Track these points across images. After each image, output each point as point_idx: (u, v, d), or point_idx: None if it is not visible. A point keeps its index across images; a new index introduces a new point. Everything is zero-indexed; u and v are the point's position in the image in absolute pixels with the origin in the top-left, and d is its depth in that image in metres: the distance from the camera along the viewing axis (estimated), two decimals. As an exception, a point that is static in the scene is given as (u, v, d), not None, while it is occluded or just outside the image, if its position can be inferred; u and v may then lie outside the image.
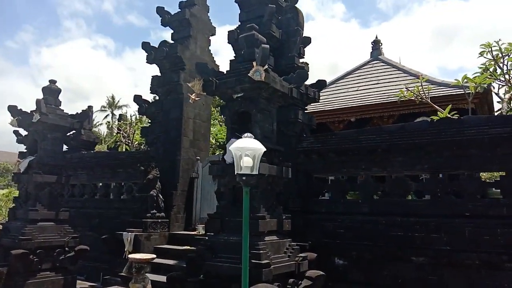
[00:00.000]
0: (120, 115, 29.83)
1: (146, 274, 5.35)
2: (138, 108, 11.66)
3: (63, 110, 9.81)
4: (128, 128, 17.37)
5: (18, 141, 14.61)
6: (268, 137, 6.37)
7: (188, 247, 9.31)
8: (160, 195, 9.95)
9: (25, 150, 9.96)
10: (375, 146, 8.03)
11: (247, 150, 4.41)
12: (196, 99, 6.66)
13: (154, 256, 5.37)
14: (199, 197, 10.63)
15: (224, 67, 10.76)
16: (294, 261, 6.13)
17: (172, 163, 10.53)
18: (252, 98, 6.21)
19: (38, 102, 9.16)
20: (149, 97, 17.52)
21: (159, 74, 11.42)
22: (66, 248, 9.25)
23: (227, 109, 6.46)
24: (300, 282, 6.10)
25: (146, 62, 11.31)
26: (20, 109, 9.66)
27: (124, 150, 16.59)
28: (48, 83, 9.84)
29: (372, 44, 17.97)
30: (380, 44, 17.95)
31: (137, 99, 11.65)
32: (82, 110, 9.96)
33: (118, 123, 19.93)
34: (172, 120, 10.85)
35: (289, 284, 5.88)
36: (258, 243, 5.67)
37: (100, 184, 12.62)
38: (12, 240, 8.57)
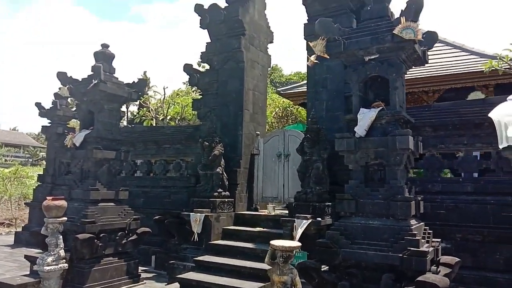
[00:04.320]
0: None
1: (291, 264, 4.58)
2: (189, 79, 10.68)
3: (117, 78, 8.78)
4: (156, 102, 16.25)
5: (41, 115, 13.59)
6: (402, 107, 5.58)
7: (261, 229, 8.59)
8: (224, 173, 9.12)
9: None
10: (481, 120, 7.34)
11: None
12: (315, 61, 5.78)
13: (300, 244, 4.59)
14: (261, 175, 9.83)
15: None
16: (433, 247, 5.43)
17: (233, 139, 9.66)
18: (391, 60, 5.38)
19: (96, 67, 8.11)
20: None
21: (209, 40, 10.41)
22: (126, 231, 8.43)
23: (355, 74, 5.62)
24: (438, 270, 5.42)
25: (200, 27, 10.28)
26: (71, 77, 8.60)
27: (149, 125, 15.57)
28: (101, 48, 8.77)
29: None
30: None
31: (187, 68, 10.65)
32: (139, 79, 8.93)
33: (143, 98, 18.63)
34: (230, 91, 9.92)
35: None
36: (410, 228, 4.95)
37: (141, 161, 11.68)
38: (72, 223, 7.64)
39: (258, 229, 8.57)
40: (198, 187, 9.03)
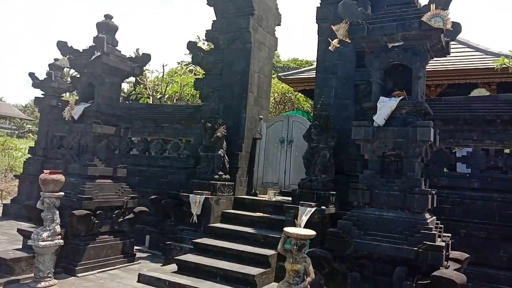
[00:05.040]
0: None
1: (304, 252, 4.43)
2: (192, 57, 10.35)
3: (120, 51, 8.43)
4: (154, 80, 15.80)
5: (34, 85, 13.14)
6: (423, 98, 5.41)
7: (261, 214, 8.44)
8: (226, 156, 8.91)
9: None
10: (493, 116, 7.25)
11: None
12: (337, 46, 5.56)
13: (315, 232, 4.44)
14: (262, 160, 9.64)
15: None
16: (444, 242, 5.34)
17: (236, 121, 9.42)
18: (416, 49, 5.19)
19: (100, 39, 7.76)
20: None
21: (215, 18, 10.08)
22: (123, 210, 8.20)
23: (377, 61, 5.42)
24: (448, 265, 5.34)
25: (207, 4, 9.93)
26: (71, 47, 8.22)
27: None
28: (104, 19, 8.39)
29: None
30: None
31: (191, 46, 10.33)
32: (143, 53, 8.58)
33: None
34: (235, 72, 9.63)
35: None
36: (426, 222, 4.83)
37: (138, 139, 11.39)
38: (68, 198, 7.38)
39: (258, 214, 8.42)
40: (198, 169, 8.81)
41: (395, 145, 5.15)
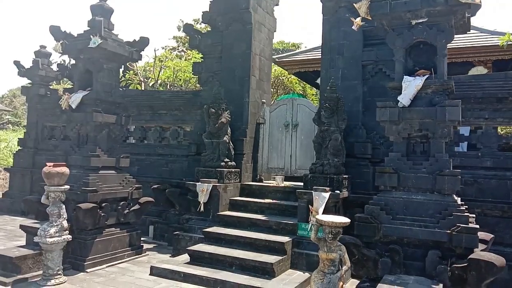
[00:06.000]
0: None
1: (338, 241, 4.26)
2: (190, 40, 9.96)
3: (117, 35, 8.02)
4: (144, 65, 15.25)
5: (20, 74, 12.56)
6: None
7: (271, 201, 8.26)
8: (230, 142, 8.66)
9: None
10: (506, 94, 7.17)
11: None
12: (361, 24, 5.33)
13: (349, 220, 4.27)
14: (266, 145, 9.42)
15: None
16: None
17: (239, 106, 9.13)
18: (441, 25, 5.00)
19: (97, 22, 7.35)
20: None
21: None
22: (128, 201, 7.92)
23: (399, 39, 5.22)
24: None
25: (204, -16, 9.51)
26: (65, 31, 7.78)
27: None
28: (98, 1, 7.94)
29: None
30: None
31: (188, 28, 9.96)
32: (140, 37, 8.17)
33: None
34: (236, 55, 9.31)
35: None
36: (458, 204, 4.73)
37: (134, 127, 11.02)
38: (71, 191, 7.03)
39: (267, 200, 8.23)
40: (203, 156, 8.55)
41: (422, 126, 5.01)
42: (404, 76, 5.18)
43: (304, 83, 18.72)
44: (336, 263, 4.24)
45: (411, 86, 5.01)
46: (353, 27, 5.57)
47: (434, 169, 4.90)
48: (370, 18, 5.29)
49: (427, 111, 4.94)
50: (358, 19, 5.34)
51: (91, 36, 7.29)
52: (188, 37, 9.92)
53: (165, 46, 23.74)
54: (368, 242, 5.00)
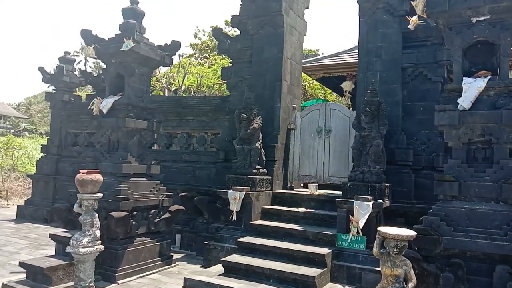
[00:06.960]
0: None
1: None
2: (218, 44, 9.74)
3: (148, 39, 7.83)
4: (167, 72, 15.11)
5: (45, 80, 12.49)
6: None
7: (305, 210, 7.93)
8: (262, 148, 8.37)
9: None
10: None
11: None
12: (418, 22, 5.04)
13: (415, 233, 3.94)
14: (297, 152, 9.12)
15: None
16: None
17: (269, 112, 8.85)
18: (505, 23, 4.66)
19: (130, 25, 7.16)
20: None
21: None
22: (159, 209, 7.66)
23: (458, 38, 4.89)
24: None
25: (233, -13, 9.32)
26: (96, 35, 7.61)
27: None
28: (130, 4, 7.77)
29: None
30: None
31: (217, 33, 9.74)
32: (172, 41, 7.98)
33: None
34: (267, 59, 9.05)
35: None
36: (529, 215, 4.34)
37: (160, 133, 10.79)
38: (102, 199, 6.77)
39: (302, 209, 7.90)
40: (235, 163, 8.27)
41: (485, 131, 4.66)
42: (464, 78, 4.84)
43: (326, 88, 18.41)
44: (400, 279, 3.90)
45: (472, 88, 4.67)
46: (409, 26, 5.29)
47: (499, 177, 4.54)
48: (427, 17, 4.97)
49: (491, 114, 4.59)
50: (415, 17, 5.05)
51: (124, 40, 7.10)
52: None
53: (182, 54, 23.75)
54: (427, 256, 4.64)
